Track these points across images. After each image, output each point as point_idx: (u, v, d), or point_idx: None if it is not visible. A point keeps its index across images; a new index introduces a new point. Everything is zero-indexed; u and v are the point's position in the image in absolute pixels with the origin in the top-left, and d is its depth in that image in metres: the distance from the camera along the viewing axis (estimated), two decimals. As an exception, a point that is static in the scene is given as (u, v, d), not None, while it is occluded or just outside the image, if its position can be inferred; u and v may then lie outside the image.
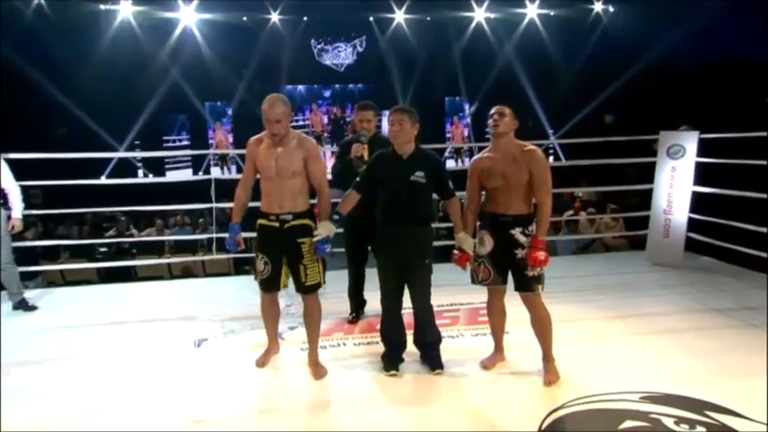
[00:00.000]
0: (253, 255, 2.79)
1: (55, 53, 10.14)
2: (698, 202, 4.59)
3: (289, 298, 3.53)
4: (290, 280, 2.78)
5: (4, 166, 3.80)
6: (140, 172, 11.42)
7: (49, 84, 10.04)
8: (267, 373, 2.83)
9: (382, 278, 2.78)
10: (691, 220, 4.59)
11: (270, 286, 2.75)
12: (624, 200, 6.68)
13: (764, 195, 4.04)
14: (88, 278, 5.50)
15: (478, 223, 2.78)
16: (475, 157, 2.80)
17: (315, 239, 2.66)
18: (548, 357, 2.72)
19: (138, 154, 11.82)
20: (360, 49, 13.60)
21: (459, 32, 12.98)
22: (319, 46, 13.40)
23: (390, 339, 2.82)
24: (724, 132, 4.54)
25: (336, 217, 2.71)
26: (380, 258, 2.79)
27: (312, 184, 2.72)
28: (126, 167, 10.62)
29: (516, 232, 2.64)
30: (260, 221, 2.72)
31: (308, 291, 2.75)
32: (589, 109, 11.81)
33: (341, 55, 13.53)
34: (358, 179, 2.76)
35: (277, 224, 2.66)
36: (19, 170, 3.92)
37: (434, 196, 2.85)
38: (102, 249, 5.87)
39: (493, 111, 2.69)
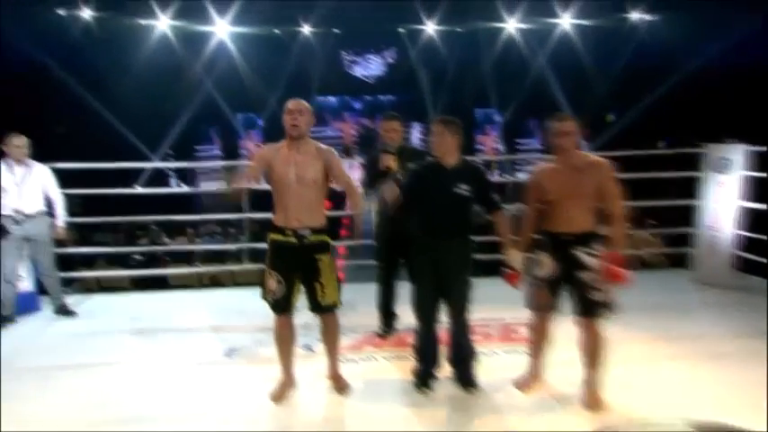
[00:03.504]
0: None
1: (98, 66, 10.62)
2: (748, 219, 4.40)
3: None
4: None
5: (52, 176, 3.97)
6: (173, 182, 11.72)
7: (91, 96, 10.48)
8: (299, 386, 2.81)
9: (419, 292, 2.74)
10: (739, 238, 4.40)
11: (283, 307, 2.59)
12: (663, 215, 6.48)
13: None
14: (122, 285, 5.64)
15: (538, 239, 2.61)
16: (534, 169, 2.68)
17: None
18: (593, 383, 2.59)
19: (172, 164, 12.14)
20: (390, 61, 13.74)
21: (491, 44, 12.96)
22: (350, 57, 13.59)
23: (424, 355, 2.78)
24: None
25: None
26: (418, 272, 2.75)
27: (340, 185, 2.64)
28: (159, 177, 10.93)
29: (580, 252, 2.48)
30: (274, 237, 2.57)
31: (325, 311, 2.64)
32: (625, 121, 11.57)
33: (371, 66, 13.69)
34: (402, 183, 2.72)
35: (294, 240, 2.53)
36: (61, 178, 4.08)
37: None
38: (137, 257, 6.02)
39: (556, 129, 2.52)
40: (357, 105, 13.82)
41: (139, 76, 11.10)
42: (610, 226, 2.51)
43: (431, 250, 2.65)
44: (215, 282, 5.91)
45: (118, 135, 10.95)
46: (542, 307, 2.61)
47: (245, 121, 13.42)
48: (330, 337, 2.76)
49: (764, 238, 4.35)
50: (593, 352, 2.55)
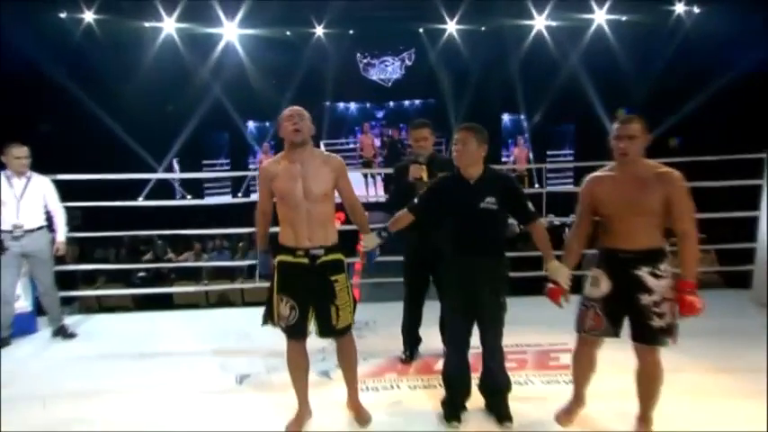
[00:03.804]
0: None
1: (101, 70, 10.89)
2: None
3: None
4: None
5: (53, 188, 4.01)
6: (178, 194, 11.86)
7: (94, 103, 10.73)
8: (316, 417, 2.76)
9: (449, 314, 2.69)
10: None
11: (298, 333, 2.57)
12: (715, 229, 6.29)
13: None
14: (124, 304, 5.68)
15: (589, 254, 2.55)
16: (591, 176, 2.53)
17: (364, 250, 2.67)
18: (646, 420, 2.49)
19: (177, 175, 12.31)
20: (408, 63, 13.78)
21: (518, 43, 12.85)
22: (365, 60, 13.65)
23: (453, 384, 2.72)
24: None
25: (385, 234, 2.70)
26: (447, 292, 2.71)
27: (344, 202, 2.66)
28: (164, 189, 11.08)
29: (643, 273, 2.36)
30: (282, 258, 2.53)
31: (340, 334, 2.62)
32: (667, 126, 11.32)
33: (388, 69, 13.74)
34: (415, 200, 2.71)
35: (306, 261, 2.49)
36: (60, 190, 4.11)
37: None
38: (141, 274, 6.06)
39: (619, 131, 2.38)
40: (379, 114, 13.67)
41: (144, 82, 11.34)
42: (678, 246, 2.38)
43: (460, 270, 2.60)
44: (223, 300, 5.92)
45: (122, 144, 11.17)
46: (592, 330, 2.51)
47: (254, 129, 13.53)
48: (348, 362, 2.73)
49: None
50: (650, 383, 2.45)
